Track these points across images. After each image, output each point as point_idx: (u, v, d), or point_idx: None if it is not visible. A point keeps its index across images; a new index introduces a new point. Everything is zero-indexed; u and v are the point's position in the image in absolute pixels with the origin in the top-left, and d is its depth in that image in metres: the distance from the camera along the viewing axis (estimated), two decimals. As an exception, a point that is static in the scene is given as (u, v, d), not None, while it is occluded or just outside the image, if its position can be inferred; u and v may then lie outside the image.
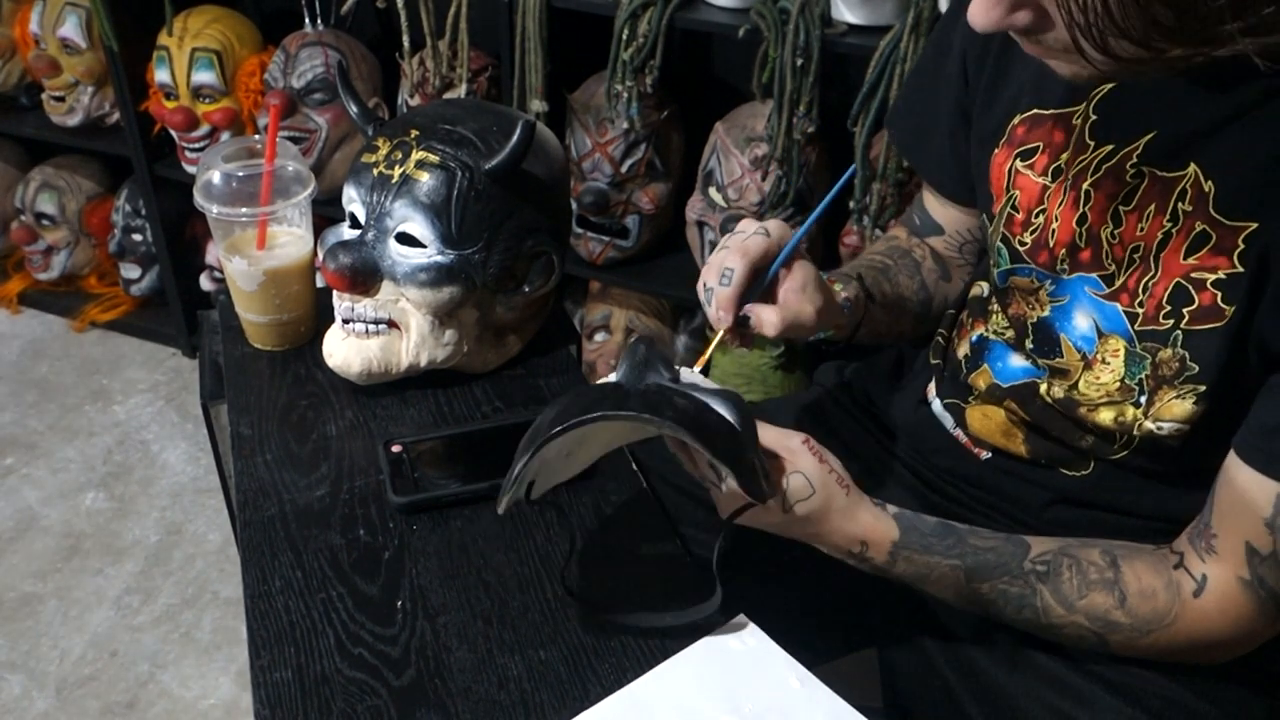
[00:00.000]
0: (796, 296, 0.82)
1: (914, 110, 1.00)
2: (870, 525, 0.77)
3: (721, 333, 0.81)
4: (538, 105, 1.65)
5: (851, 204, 1.60)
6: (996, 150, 0.85)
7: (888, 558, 0.78)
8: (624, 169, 1.69)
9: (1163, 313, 0.75)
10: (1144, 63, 0.59)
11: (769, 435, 0.76)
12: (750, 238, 0.81)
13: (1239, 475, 0.72)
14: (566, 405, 0.68)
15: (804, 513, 0.75)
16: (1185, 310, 0.73)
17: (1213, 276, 0.72)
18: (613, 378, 0.74)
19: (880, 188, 1.56)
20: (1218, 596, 0.74)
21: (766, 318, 0.81)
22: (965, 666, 0.90)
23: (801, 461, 0.75)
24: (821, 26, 1.47)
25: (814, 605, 1.03)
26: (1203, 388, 0.74)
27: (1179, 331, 0.74)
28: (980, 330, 0.91)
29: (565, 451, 0.72)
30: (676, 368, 0.74)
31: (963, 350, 0.94)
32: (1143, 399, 0.78)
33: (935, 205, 1.01)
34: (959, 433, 0.94)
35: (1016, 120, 0.84)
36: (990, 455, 0.91)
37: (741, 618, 0.78)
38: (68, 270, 2.42)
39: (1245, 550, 0.72)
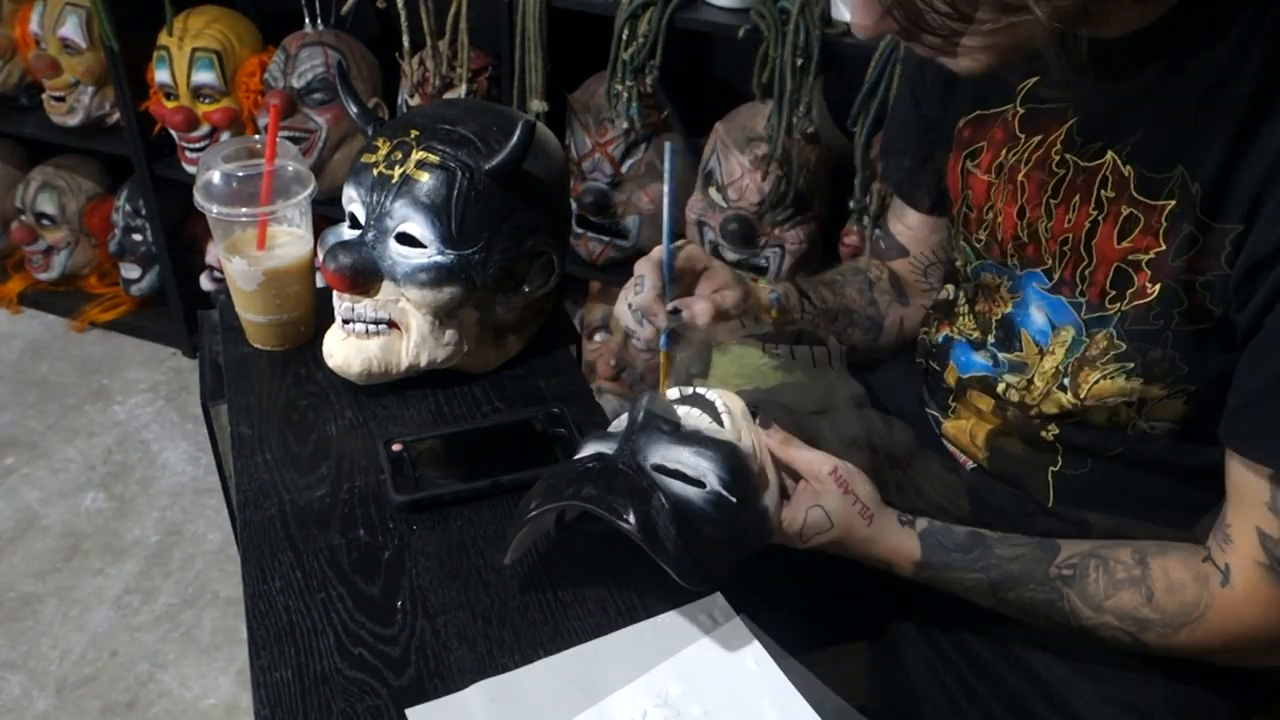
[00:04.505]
0: (716, 286, 0.84)
1: (892, 129, 1.03)
2: (893, 549, 0.79)
3: (663, 353, 0.82)
4: (538, 105, 1.65)
5: (851, 204, 1.60)
6: (950, 154, 0.88)
7: (912, 574, 0.80)
8: (624, 169, 1.69)
9: (1108, 298, 0.76)
10: (965, 36, 0.63)
11: (800, 458, 0.78)
12: (649, 255, 0.84)
13: (1231, 463, 0.74)
14: (549, 484, 0.75)
15: (819, 544, 0.78)
16: (1128, 292, 0.75)
17: (1146, 257, 0.73)
18: (610, 431, 0.78)
19: (880, 188, 1.56)
20: (1243, 583, 0.74)
21: (696, 306, 0.81)
22: (962, 663, 0.90)
23: (825, 497, 0.77)
24: (821, 26, 1.47)
25: (804, 597, 1.03)
26: (1131, 364, 0.76)
27: (1119, 314, 0.76)
28: (945, 331, 0.94)
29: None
30: (678, 417, 0.76)
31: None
32: (1066, 380, 0.80)
33: (902, 227, 1.02)
34: (945, 440, 0.95)
35: (962, 123, 0.86)
36: (973, 466, 0.93)
37: (717, 596, 0.79)
38: (68, 270, 2.42)
39: (1258, 535, 0.73)
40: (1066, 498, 0.87)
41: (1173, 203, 0.71)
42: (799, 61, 1.48)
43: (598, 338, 1.92)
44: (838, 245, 1.68)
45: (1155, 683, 0.83)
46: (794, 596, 1.02)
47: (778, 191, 1.60)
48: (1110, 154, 0.75)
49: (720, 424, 0.77)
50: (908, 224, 1.01)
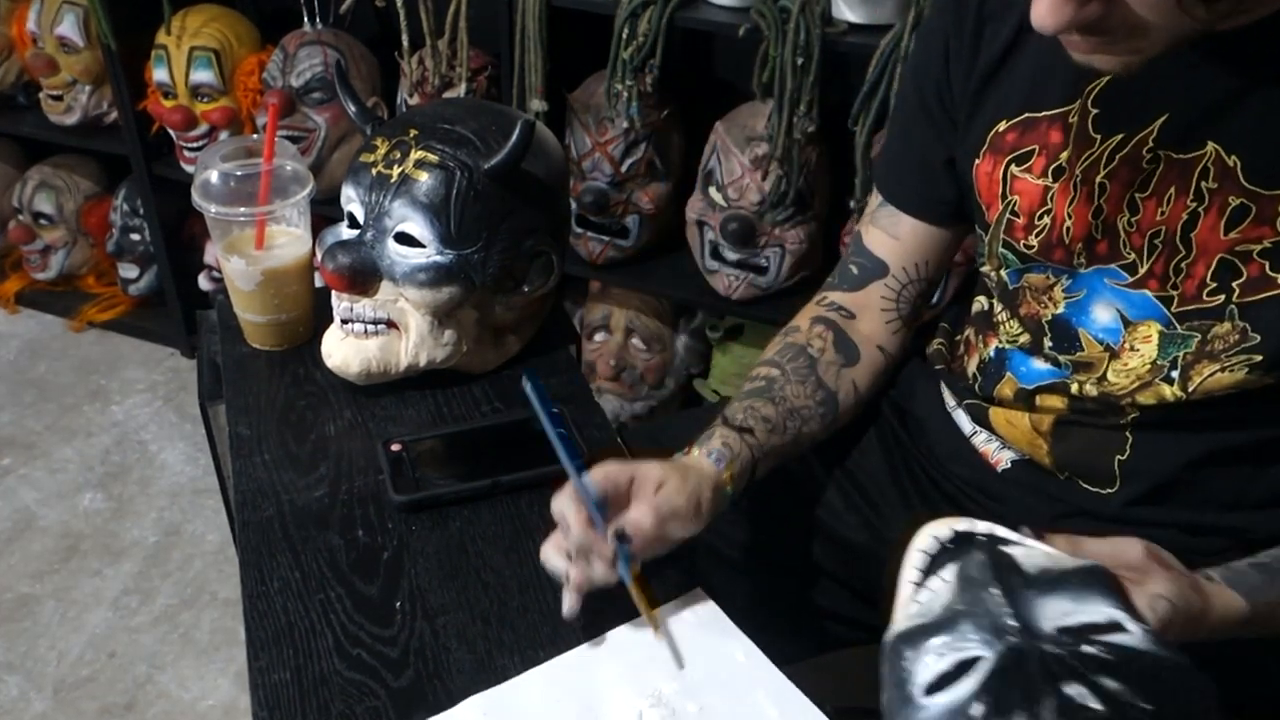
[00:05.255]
0: (651, 489, 0.75)
1: (893, 133, 0.98)
2: (1222, 611, 0.69)
3: (633, 581, 0.73)
4: (537, 105, 1.65)
5: (852, 204, 1.60)
6: (979, 160, 0.85)
7: (1238, 633, 0.70)
8: (624, 169, 1.69)
9: (1207, 290, 0.75)
10: (1237, 6, 0.59)
11: (1102, 549, 0.64)
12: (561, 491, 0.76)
13: None
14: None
15: (1171, 637, 0.62)
16: (1235, 284, 0.74)
17: (1258, 247, 0.72)
18: (940, 597, 0.59)
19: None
20: None
21: (634, 514, 0.73)
22: None
23: (1155, 583, 0.64)
24: (822, 26, 1.47)
25: (807, 599, 1.02)
26: (1259, 357, 0.75)
27: (1233, 306, 0.75)
28: (994, 344, 0.91)
29: None
30: (1016, 543, 0.60)
31: (972, 367, 0.94)
32: (1174, 374, 0.79)
33: (888, 239, 0.96)
34: (976, 440, 0.94)
35: (1003, 127, 0.83)
36: (1009, 465, 0.92)
37: (698, 591, 0.78)
38: (65, 270, 2.42)
39: None
40: (1131, 488, 0.86)
41: None
42: (799, 61, 1.48)
43: (598, 338, 1.91)
44: (838, 245, 1.68)
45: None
46: (803, 600, 1.02)
47: (778, 191, 1.59)
48: (1211, 144, 0.73)
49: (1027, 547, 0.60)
50: (898, 234, 0.95)
